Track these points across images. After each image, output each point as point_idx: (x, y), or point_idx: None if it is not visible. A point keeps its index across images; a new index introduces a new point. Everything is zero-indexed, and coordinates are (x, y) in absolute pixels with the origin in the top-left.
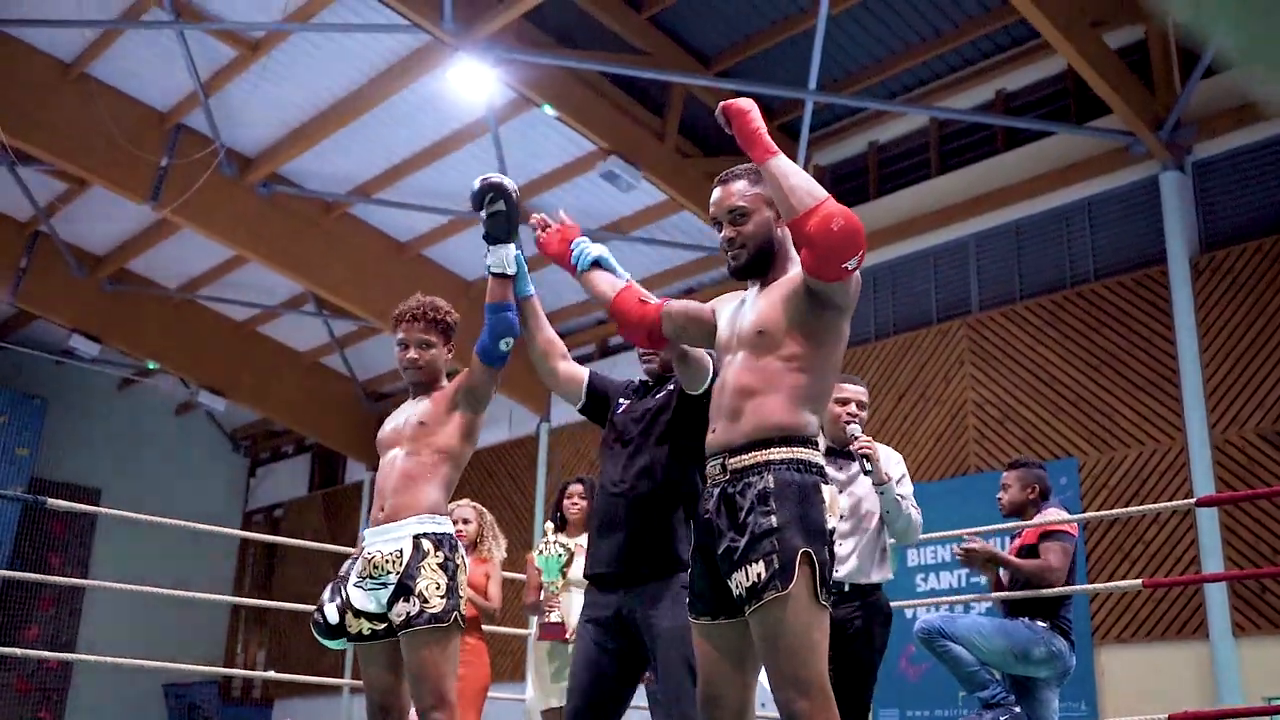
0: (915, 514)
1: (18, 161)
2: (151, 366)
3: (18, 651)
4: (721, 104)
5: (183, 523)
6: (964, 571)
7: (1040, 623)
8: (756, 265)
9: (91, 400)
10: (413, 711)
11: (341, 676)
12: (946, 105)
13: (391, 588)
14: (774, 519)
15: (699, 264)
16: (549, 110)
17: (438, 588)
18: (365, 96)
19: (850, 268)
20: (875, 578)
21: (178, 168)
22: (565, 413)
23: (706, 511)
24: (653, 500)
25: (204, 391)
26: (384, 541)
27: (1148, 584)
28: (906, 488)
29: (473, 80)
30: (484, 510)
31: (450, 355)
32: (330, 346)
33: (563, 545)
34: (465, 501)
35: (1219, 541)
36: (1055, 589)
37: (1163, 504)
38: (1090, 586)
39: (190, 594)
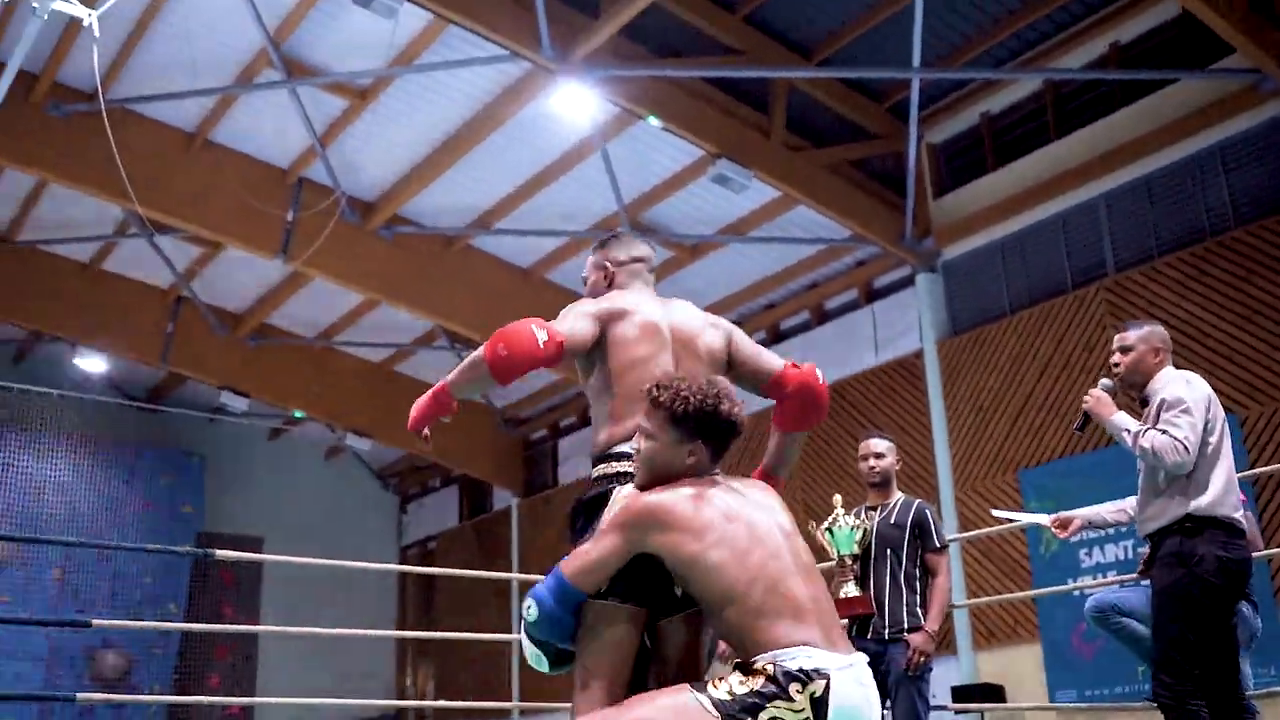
0: (1150, 439)
1: (155, 232)
2: (298, 415)
3: (204, 700)
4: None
5: (343, 563)
6: (1130, 542)
7: None
8: None
9: (245, 452)
10: None
11: (509, 700)
12: (1058, 66)
13: None
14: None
15: (819, 257)
16: (654, 121)
17: None
18: (474, 129)
19: (542, 344)
20: (1153, 524)
21: (303, 220)
22: None
23: None
24: None
25: (350, 434)
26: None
27: None
28: (1169, 417)
29: (576, 101)
30: None
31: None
32: None
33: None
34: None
35: None
36: None
37: None
38: (1266, 552)
39: (355, 631)
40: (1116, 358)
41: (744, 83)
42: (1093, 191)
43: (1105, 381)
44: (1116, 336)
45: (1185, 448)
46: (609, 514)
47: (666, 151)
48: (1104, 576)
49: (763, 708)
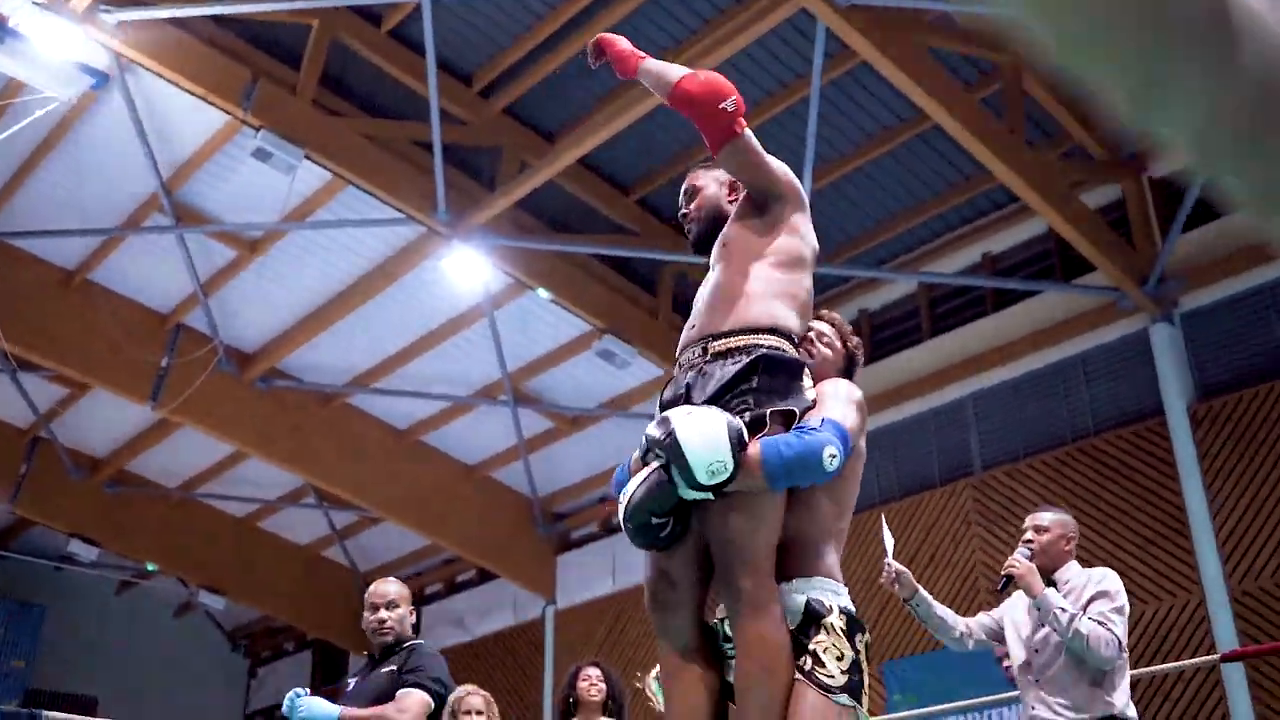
0: (1089, 628)
1: (19, 369)
2: (150, 568)
3: None
4: (594, 40)
5: None
6: None
7: None
8: (711, 234)
9: (90, 606)
10: None
11: None
12: (934, 270)
13: None
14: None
15: None
16: (543, 293)
17: None
18: (362, 288)
19: (729, 109)
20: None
21: (178, 367)
22: (570, 595)
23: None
24: None
25: (203, 591)
26: None
27: None
28: (1106, 611)
29: (468, 267)
30: (491, 699)
31: None
32: (331, 538)
33: None
34: (473, 688)
35: (1247, 697)
36: None
37: (1186, 661)
38: None
39: None
40: (1031, 534)
41: (634, 262)
42: (962, 390)
43: (1024, 550)
44: (1030, 517)
45: (1121, 645)
46: (838, 390)
47: (553, 323)
48: None
49: (859, 660)
